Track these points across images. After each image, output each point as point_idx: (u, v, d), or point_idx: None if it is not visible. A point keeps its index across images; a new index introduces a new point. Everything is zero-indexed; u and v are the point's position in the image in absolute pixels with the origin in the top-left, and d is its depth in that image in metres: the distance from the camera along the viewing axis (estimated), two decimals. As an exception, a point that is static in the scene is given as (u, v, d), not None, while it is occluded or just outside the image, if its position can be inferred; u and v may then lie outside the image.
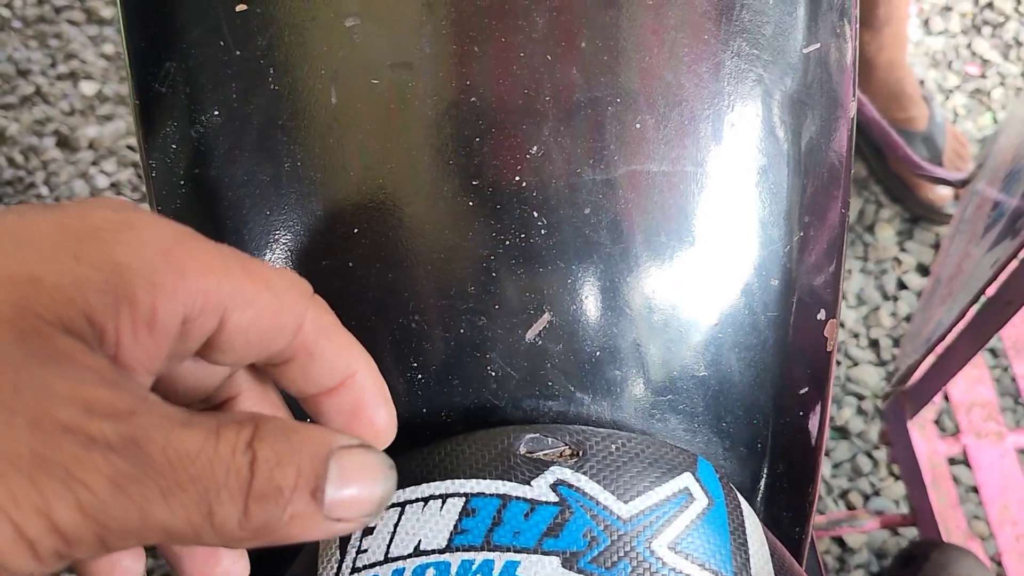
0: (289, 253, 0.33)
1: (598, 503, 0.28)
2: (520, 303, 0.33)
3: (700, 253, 0.33)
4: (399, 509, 0.28)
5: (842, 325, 1.08)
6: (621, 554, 0.27)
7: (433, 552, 0.27)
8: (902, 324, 1.08)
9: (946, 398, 0.86)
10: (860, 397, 1.04)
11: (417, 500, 0.28)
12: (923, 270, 1.13)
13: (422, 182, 0.33)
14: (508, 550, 0.27)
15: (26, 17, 1.31)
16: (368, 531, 0.28)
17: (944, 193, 1.16)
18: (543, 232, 0.33)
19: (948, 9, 1.37)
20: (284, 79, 0.33)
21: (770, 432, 0.35)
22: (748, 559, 0.28)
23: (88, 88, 1.27)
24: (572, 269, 0.33)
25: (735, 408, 0.35)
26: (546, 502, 0.28)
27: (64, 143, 1.23)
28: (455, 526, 0.27)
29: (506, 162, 0.32)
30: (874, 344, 1.08)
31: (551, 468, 0.29)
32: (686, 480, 0.30)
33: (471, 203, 0.32)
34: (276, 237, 0.33)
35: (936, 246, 1.15)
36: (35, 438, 0.16)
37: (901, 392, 0.81)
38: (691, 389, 0.34)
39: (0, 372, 0.17)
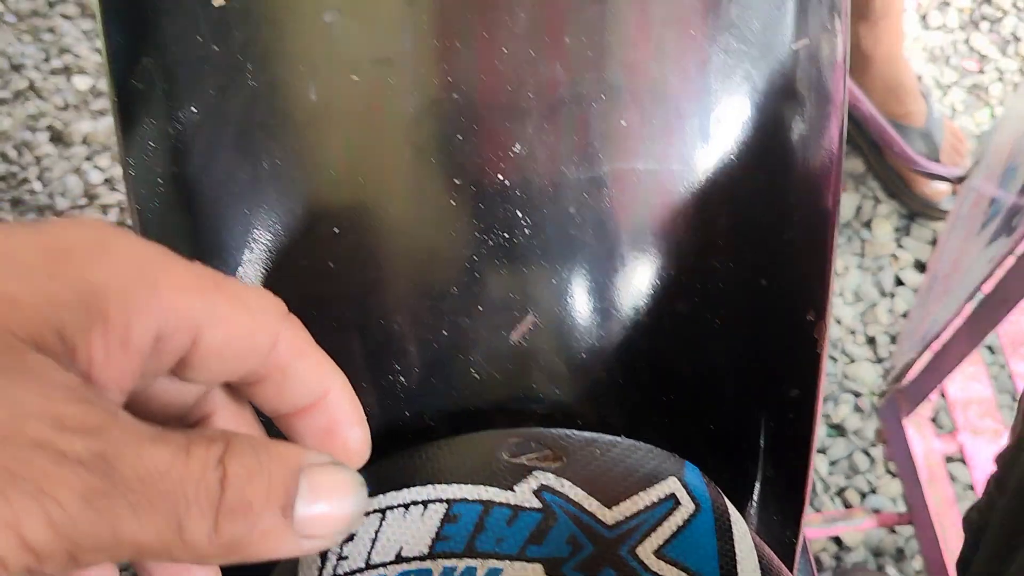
0: (268, 253, 0.32)
1: (582, 509, 0.27)
2: (504, 304, 0.32)
3: (687, 253, 0.33)
4: (380, 515, 0.28)
5: (838, 322, 1.08)
6: (605, 560, 0.26)
7: (415, 559, 0.27)
8: (899, 321, 1.07)
9: (943, 395, 0.86)
10: (857, 394, 1.03)
11: (398, 506, 0.28)
12: (920, 266, 1.13)
13: (403, 181, 0.32)
14: (491, 557, 0.27)
15: (19, 11, 1.31)
16: (349, 537, 0.28)
17: (941, 189, 1.15)
18: (527, 231, 0.32)
19: (946, 4, 1.36)
20: (262, 75, 0.32)
21: (760, 435, 0.35)
22: (736, 565, 0.28)
23: (82, 83, 1.27)
24: (557, 269, 0.32)
25: (724, 411, 0.34)
26: (529, 508, 0.27)
27: (58, 138, 1.22)
28: (437, 532, 0.27)
29: (489, 160, 0.32)
30: (871, 341, 1.07)
31: (534, 473, 0.28)
32: (672, 485, 0.29)
33: (453, 202, 0.32)
34: (255, 237, 0.32)
35: (933, 242, 1.14)
36: (5, 453, 0.16)
37: (897, 390, 0.80)
38: (679, 391, 0.33)
39: None
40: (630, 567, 0.26)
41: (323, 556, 0.28)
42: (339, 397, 0.24)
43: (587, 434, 0.32)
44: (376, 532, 0.27)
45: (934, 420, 0.94)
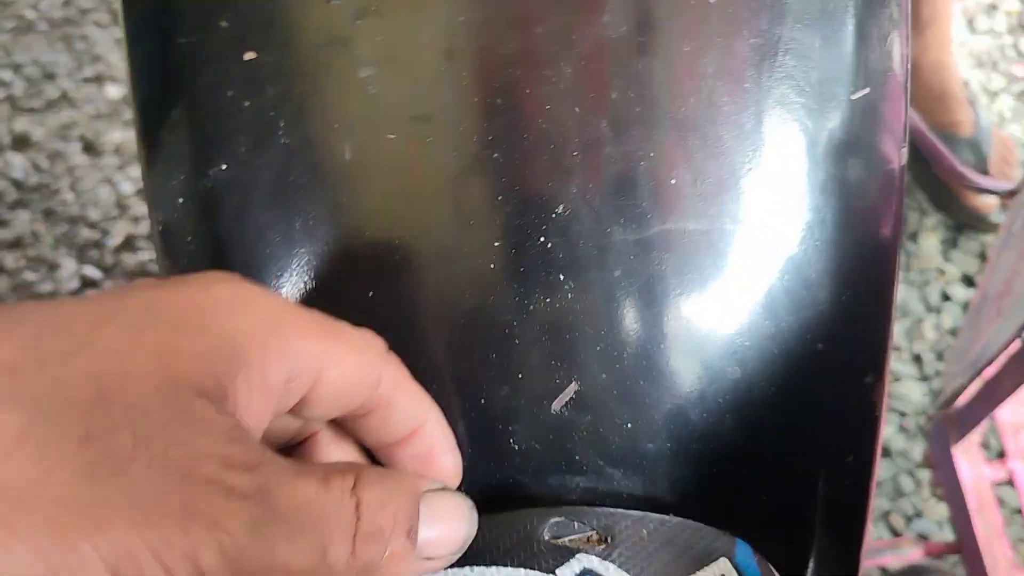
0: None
1: None
2: (545, 372, 0.31)
3: (739, 317, 0.31)
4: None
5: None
6: (654, 649, 0.25)
7: None
8: (946, 338, 1.04)
9: (991, 418, 0.83)
10: (902, 414, 1.01)
11: (435, 588, 0.27)
12: (968, 281, 1.09)
13: (441, 243, 0.31)
14: (532, 643, 0.25)
15: (52, 19, 1.31)
16: None
17: (991, 201, 1.11)
18: (570, 296, 0.30)
19: (993, 7, 1.32)
20: (295, 132, 0.31)
21: (816, 504, 0.33)
22: None
23: (114, 92, 1.27)
24: (601, 335, 0.31)
25: (777, 481, 0.32)
26: (572, 592, 0.26)
27: (89, 148, 1.22)
28: (475, 617, 0.26)
29: (530, 222, 0.30)
30: (917, 359, 1.04)
31: (577, 556, 0.27)
32: (723, 567, 0.28)
33: (493, 265, 0.30)
34: (287, 299, 0.31)
35: (982, 256, 1.11)
36: (184, 490, 0.18)
37: (946, 415, 0.78)
38: (730, 462, 0.32)
39: (153, 434, 0.19)
40: None
41: None
42: (434, 427, 0.27)
43: (634, 512, 0.30)
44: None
45: (984, 444, 0.92)
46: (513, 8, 0.30)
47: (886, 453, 0.99)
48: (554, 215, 0.30)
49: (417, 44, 0.30)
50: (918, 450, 0.98)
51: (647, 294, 0.31)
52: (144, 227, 1.16)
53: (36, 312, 0.20)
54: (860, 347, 0.33)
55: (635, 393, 0.31)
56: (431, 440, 0.26)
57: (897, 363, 1.04)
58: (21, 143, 1.21)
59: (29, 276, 1.13)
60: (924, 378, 1.03)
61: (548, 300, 0.30)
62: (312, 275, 0.31)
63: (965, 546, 0.78)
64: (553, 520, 0.29)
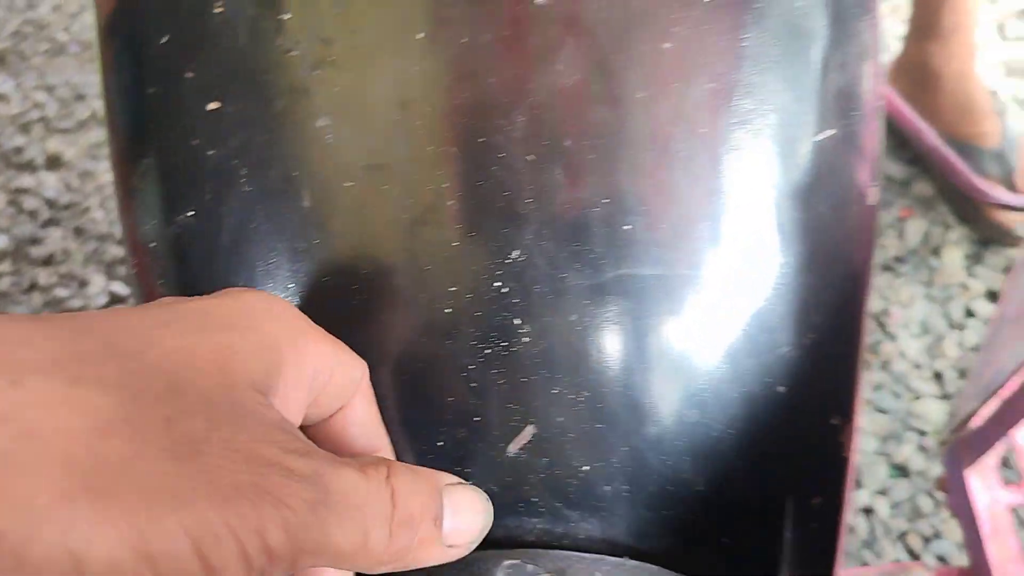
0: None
1: None
2: (502, 415, 0.31)
3: (697, 362, 0.31)
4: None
5: (903, 356, 1.03)
6: None
7: None
8: (968, 355, 1.02)
9: (1009, 441, 0.81)
10: (922, 433, 0.99)
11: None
12: (993, 296, 1.07)
13: (397, 288, 0.31)
14: None
15: (83, 41, 1.34)
16: None
17: (1017, 213, 1.09)
18: (526, 340, 0.31)
19: (1025, 14, 1.30)
20: (256, 180, 0.31)
21: (780, 548, 0.33)
22: None
23: (144, 111, 1.29)
24: (558, 378, 0.31)
25: (739, 525, 0.32)
26: (521, 640, 0.26)
27: (120, 167, 1.25)
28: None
29: (485, 267, 0.31)
30: (938, 377, 1.02)
31: (529, 601, 0.27)
32: (677, 613, 0.28)
33: (448, 310, 0.31)
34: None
35: (1008, 271, 1.08)
36: (252, 471, 0.20)
37: (959, 439, 0.76)
38: (689, 505, 0.32)
39: (220, 421, 0.20)
40: None
41: None
42: (388, 452, 0.29)
43: (589, 555, 0.30)
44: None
45: (1002, 466, 0.90)
46: (466, 58, 0.31)
47: (904, 473, 0.97)
48: (508, 260, 0.31)
49: (372, 94, 0.31)
50: (937, 470, 0.96)
51: (603, 338, 0.31)
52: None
53: (103, 317, 0.22)
54: (824, 389, 0.33)
55: (592, 436, 0.31)
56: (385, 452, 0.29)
57: (918, 381, 1.02)
58: (54, 163, 1.24)
59: (60, 292, 1.16)
60: (945, 396, 1.01)
61: (504, 344, 0.31)
62: (275, 319, 0.32)
63: (978, 572, 0.77)
64: (508, 563, 0.29)
